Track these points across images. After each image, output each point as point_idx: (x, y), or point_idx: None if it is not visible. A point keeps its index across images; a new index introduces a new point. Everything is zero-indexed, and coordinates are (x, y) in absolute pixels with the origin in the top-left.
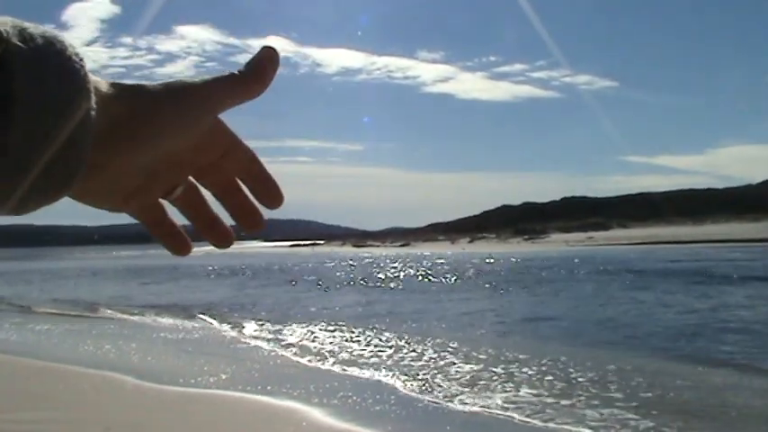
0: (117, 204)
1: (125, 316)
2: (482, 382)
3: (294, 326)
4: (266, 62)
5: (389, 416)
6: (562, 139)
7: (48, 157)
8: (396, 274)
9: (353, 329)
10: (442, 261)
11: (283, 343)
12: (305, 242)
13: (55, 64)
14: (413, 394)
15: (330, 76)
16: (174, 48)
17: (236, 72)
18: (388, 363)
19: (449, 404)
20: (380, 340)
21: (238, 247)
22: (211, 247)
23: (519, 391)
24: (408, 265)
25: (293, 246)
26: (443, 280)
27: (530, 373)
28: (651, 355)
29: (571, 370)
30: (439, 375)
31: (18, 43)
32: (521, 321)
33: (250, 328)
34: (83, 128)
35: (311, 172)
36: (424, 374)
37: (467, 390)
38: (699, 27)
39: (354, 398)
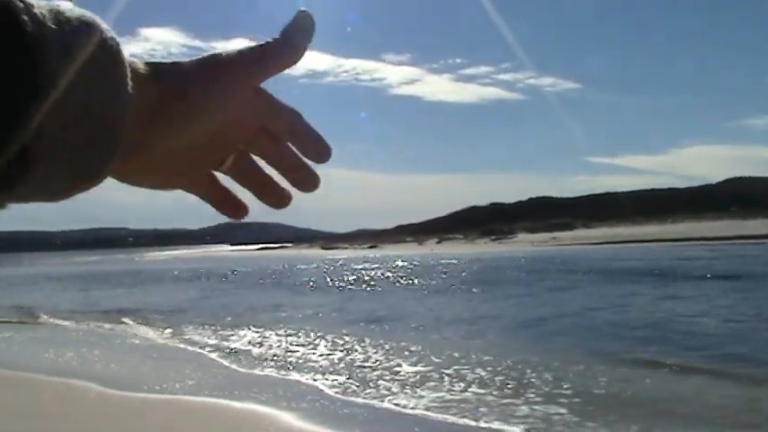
0: (165, 183)
1: (66, 322)
2: (426, 383)
3: (245, 330)
4: (300, 29)
5: (312, 417)
6: (528, 140)
7: (83, 137)
8: (364, 276)
9: (311, 333)
10: (406, 264)
11: (224, 348)
12: (273, 245)
13: (89, 46)
14: (337, 395)
15: (297, 79)
16: (139, 50)
17: (271, 41)
18: (326, 365)
19: (378, 404)
20: (334, 343)
21: (205, 250)
22: (179, 251)
23: (463, 390)
24: (377, 267)
25: (261, 249)
26: (413, 281)
27: (482, 373)
28: (602, 355)
29: (529, 370)
30: (378, 375)
31: (53, 26)
32: (479, 322)
33: (194, 332)
34: (119, 109)
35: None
36: (360, 375)
37: (404, 389)
38: (660, 29)
39: (282, 400)
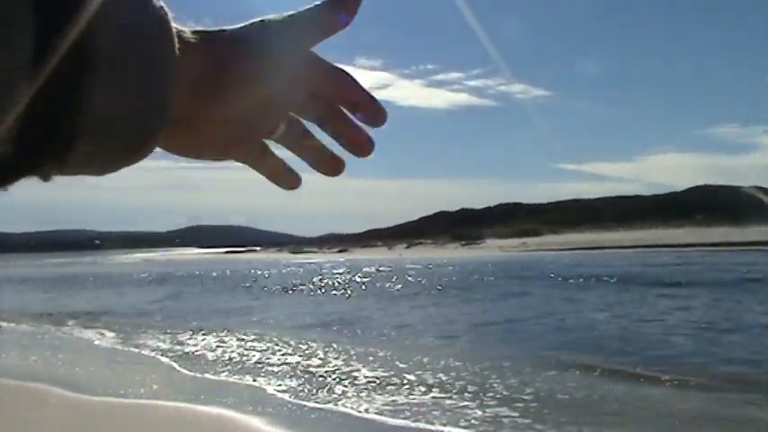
0: (219, 154)
1: (23, 326)
2: (384, 387)
3: (206, 335)
4: None
5: (277, 422)
6: (497, 146)
7: (129, 108)
8: (334, 281)
9: (275, 338)
10: (374, 269)
11: (182, 353)
12: (241, 249)
13: (139, 13)
14: (290, 399)
15: None
16: None
17: (321, 3)
18: (285, 369)
19: (332, 407)
20: (296, 347)
21: (173, 253)
22: (146, 254)
23: (423, 394)
24: (347, 271)
25: (228, 252)
26: (383, 285)
27: (442, 378)
28: (558, 360)
29: (491, 375)
30: (336, 380)
31: None
32: (445, 327)
33: (151, 336)
34: (165, 80)
35: (247, 177)
36: (318, 379)
37: (359, 394)
38: (628, 39)
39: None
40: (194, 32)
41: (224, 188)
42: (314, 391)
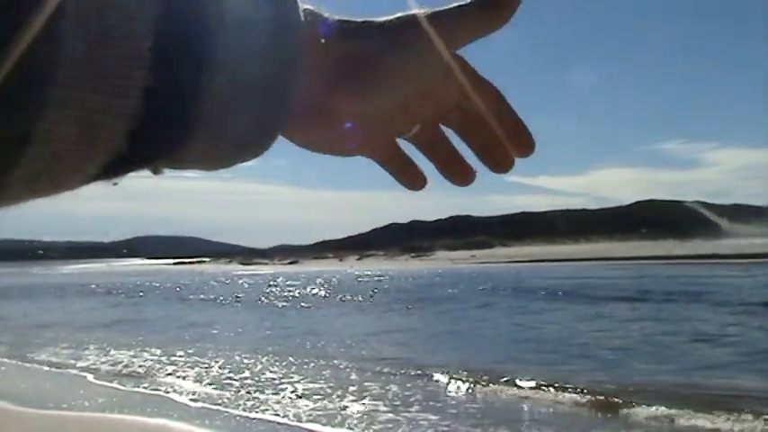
0: (350, 150)
1: None
2: (312, 396)
3: (129, 349)
4: None
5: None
6: None
7: (247, 101)
8: (277, 292)
9: (209, 351)
10: (323, 280)
11: (110, 367)
12: (189, 259)
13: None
14: (205, 406)
15: None
16: None
17: (473, 0)
18: (216, 381)
19: (252, 415)
20: (228, 358)
21: (118, 264)
22: (91, 265)
23: (338, 402)
24: (294, 282)
25: (177, 263)
26: (333, 297)
27: (370, 386)
28: (476, 369)
29: (416, 383)
30: (261, 388)
31: None
32: (384, 336)
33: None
34: (290, 72)
35: (198, 188)
36: (242, 389)
37: (284, 402)
38: (580, 56)
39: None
40: (338, 21)
41: (171, 198)
42: (236, 399)
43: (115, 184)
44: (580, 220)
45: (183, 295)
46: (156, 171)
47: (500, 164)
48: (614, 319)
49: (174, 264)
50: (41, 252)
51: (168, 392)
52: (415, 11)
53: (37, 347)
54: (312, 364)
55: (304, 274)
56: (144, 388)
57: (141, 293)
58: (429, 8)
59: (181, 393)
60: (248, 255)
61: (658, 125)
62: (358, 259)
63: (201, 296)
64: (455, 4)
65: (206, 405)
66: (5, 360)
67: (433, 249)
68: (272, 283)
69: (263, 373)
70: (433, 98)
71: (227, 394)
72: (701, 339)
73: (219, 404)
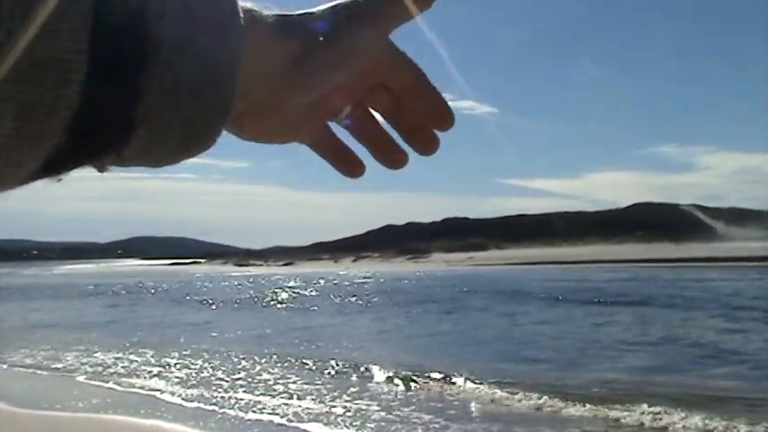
0: (288, 138)
1: None
2: (306, 395)
3: (120, 351)
4: None
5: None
6: (445, 161)
7: (190, 98)
8: (265, 293)
9: (204, 353)
10: (321, 281)
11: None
12: (185, 260)
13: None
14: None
15: None
16: None
17: None
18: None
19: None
20: (226, 359)
21: (113, 264)
22: (87, 265)
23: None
24: (283, 283)
25: (173, 264)
26: (332, 299)
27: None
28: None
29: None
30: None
31: None
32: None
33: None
34: (231, 68)
35: (193, 189)
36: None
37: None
38: (576, 58)
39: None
40: (276, 17)
41: (167, 199)
42: (246, 401)
43: (59, 180)
44: (576, 222)
45: (178, 296)
46: (100, 168)
47: (427, 146)
48: (606, 322)
49: (170, 264)
50: (36, 252)
51: (162, 393)
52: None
53: (27, 348)
54: (306, 365)
55: (298, 275)
56: (137, 389)
57: (136, 294)
58: None
59: (174, 394)
60: (243, 256)
61: (654, 128)
62: (353, 261)
63: (196, 297)
64: None
65: (200, 405)
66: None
67: (429, 251)
68: (264, 283)
69: (259, 374)
70: (363, 81)
71: (221, 395)
72: (694, 344)
73: (213, 405)
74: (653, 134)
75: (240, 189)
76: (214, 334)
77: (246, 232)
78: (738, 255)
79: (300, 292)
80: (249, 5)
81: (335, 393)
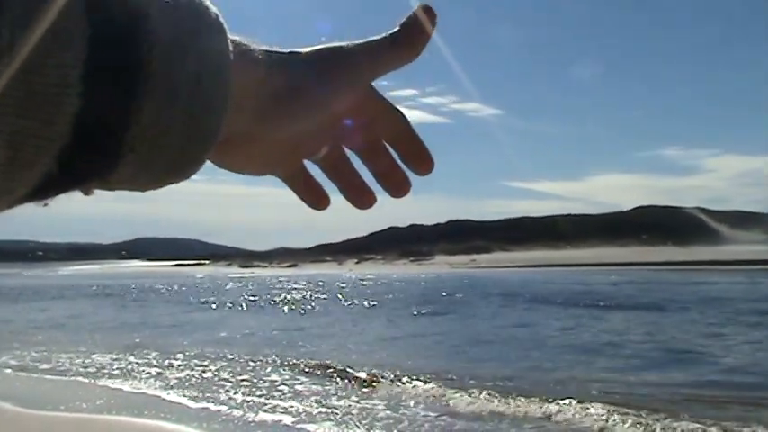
0: (264, 171)
1: None
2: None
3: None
4: (422, 24)
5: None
6: (449, 163)
7: (178, 126)
8: (278, 296)
9: (211, 355)
10: (324, 283)
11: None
12: (189, 262)
13: (194, 32)
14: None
15: None
16: None
17: (390, 35)
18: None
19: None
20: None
21: (118, 265)
22: (91, 266)
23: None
24: (298, 287)
25: (176, 265)
26: (339, 300)
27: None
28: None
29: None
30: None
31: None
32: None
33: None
34: (219, 100)
35: (197, 191)
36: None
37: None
38: (581, 61)
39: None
40: (265, 52)
41: (171, 200)
42: (251, 403)
43: (45, 205)
44: (580, 225)
45: (183, 298)
46: (86, 192)
47: (399, 189)
48: (605, 325)
49: (174, 266)
50: (41, 253)
51: (166, 394)
52: (336, 44)
53: (31, 350)
54: (308, 366)
55: (302, 277)
56: (142, 389)
57: (141, 294)
58: (348, 42)
59: (179, 395)
60: (247, 257)
61: (658, 131)
62: (357, 263)
63: (202, 299)
64: (372, 39)
65: (206, 406)
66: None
67: (433, 254)
68: (269, 285)
69: (266, 376)
70: (345, 125)
71: (225, 396)
72: (694, 350)
73: (219, 405)
74: (657, 137)
75: (244, 191)
76: (223, 334)
77: (250, 234)
78: (743, 258)
79: (307, 293)
80: (238, 39)
81: (342, 395)
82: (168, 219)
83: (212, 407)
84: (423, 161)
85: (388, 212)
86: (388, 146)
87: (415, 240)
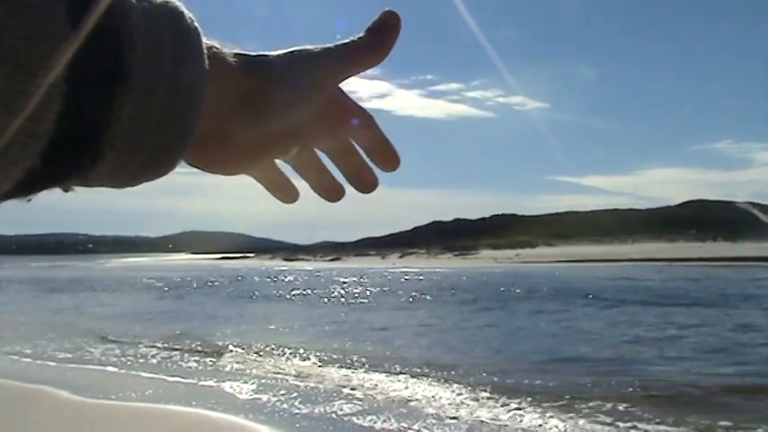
0: (237, 170)
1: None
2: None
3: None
4: (388, 27)
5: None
6: (494, 157)
7: (156, 125)
8: (326, 291)
9: (281, 346)
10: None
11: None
12: (234, 254)
13: (170, 31)
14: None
15: None
16: None
17: (356, 38)
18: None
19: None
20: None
21: (166, 258)
22: (140, 259)
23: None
24: (344, 280)
25: (222, 258)
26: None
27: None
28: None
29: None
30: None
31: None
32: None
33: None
34: (195, 98)
35: (241, 182)
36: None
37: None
38: (630, 54)
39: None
40: (237, 54)
41: (216, 194)
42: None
43: (28, 200)
44: (627, 219)
45: (238, 290)
46: (65, 189)
47: (366, 186)
48: (657, 323)
49: (219, 259)
50: (91, 246)
51: (219, 386)
52: (307, 46)
53: (95, 341)
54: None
55: (345, 270)
56: (197, 380)
57: (189, 287)
58: (318, 45)
59: (236, 388)
60: (291, 251)
61: (709, 124)
62: (400, 257)
63: (257, 291)
64: (341, 42)
65: (259, 398)
66: (66, 353)
67: (477, 248)
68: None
69: (313, 368)
70: (314, 124)
71: (282, 390)
72: (755, 344)
73: (274, 399)
74: (707, 130)
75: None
76: (272, 327)
77: (295, 228)
78: None
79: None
80: (211, 42)
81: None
82: (213, 212)
83: (263, 398)
84: (389, 159)
85: (432, 206)
86: (356, 145)
87: (458, 234)
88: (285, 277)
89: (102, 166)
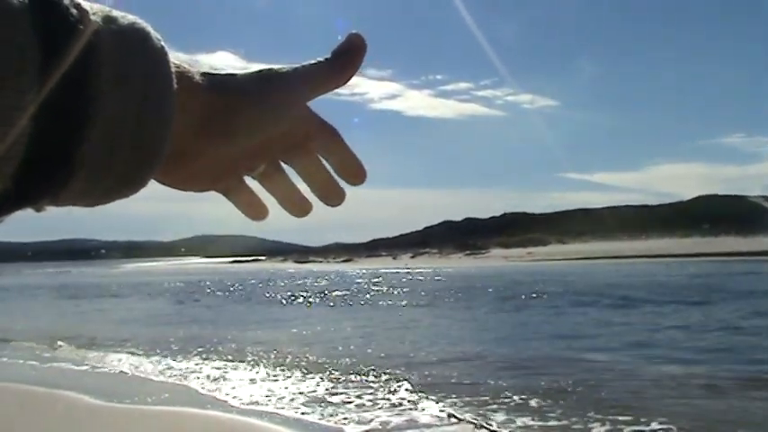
0: (205, 187)
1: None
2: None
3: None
4: (353, 50)
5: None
6: (504, 156)
7: (126, 145)
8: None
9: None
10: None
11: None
12: (246, 258)
13: (139, 53)
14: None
15: None
16: None
17: (323, 60)
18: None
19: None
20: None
21: (178, 263)
22: (153, 263)
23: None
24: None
25: (234, 261)
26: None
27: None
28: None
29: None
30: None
31: (102, 23)
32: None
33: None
34: (164, 118)
35: (254, 187)
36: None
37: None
38: (637, 49)
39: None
40: (203, 74)
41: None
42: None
43: (0, 221)
44: (639, 215)
45: (253, 294)
46: (38, 209)
47: (333, 200)
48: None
49: (231, 262)
50: (103, 251)
51: (224, 393)
52: (273, 66)
53: (114, 347)
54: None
55: (356, 271)
56: (207, 386)
57: (203, 291)
58: (286, 65)
59: (235, 397)
60: (303, 253)
61: (719, 118)
62: (412, 257)
63: (273, 294)
64: (308, 63)
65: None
66: (85, 357)
67: (488, 247)
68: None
69: (330, 376)
70: (282, 141)
71: (304, 399)
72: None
73: (273, 404)
74: (718, 124)
75: (301, 187)
76: (294, 330)
77: (306, 230)
78: None
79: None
80: (178, 61)
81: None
82: (224, 216)
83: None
84: (356, 173)
85: (443, 206)
86: (322, 159)
87: (470, 234)
88: (314, 280)
89: (74, 185)
